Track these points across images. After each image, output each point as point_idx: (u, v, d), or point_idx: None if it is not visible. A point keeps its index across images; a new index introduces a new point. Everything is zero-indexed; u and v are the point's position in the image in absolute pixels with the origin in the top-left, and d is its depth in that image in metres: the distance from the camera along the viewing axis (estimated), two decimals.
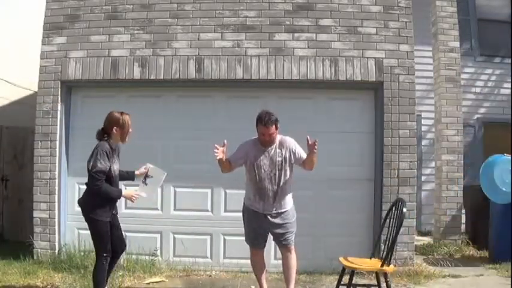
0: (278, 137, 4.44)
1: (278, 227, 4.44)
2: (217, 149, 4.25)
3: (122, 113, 4.31)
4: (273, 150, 4.40)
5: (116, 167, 4.26)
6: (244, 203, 4.60)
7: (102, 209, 4.15)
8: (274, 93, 6.16)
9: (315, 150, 4.24)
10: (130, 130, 4.31)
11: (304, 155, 4.40)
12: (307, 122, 6.00)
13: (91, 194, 4.17)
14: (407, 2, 6.13)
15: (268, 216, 4.42)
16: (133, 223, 5.80)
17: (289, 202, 4.50)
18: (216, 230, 6.07)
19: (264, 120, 4.28)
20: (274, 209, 4.41)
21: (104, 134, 4.27)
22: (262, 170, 4.37)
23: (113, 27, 6.19)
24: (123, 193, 4.27)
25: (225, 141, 4.33)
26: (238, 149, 4.51)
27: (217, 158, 4.25)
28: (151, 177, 4.46)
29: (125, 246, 4.53)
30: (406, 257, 5.89)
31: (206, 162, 5.98)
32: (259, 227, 4.48)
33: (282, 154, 4.39)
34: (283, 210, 4.44)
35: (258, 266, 4.62)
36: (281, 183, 4.39)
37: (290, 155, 4.40)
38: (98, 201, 4.14)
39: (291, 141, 4.46)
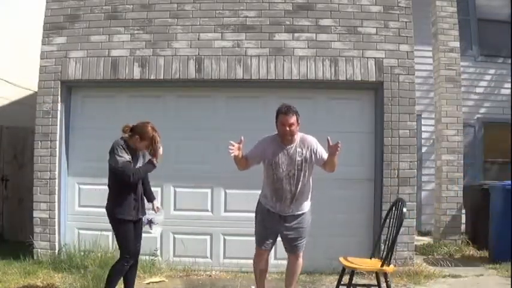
0: (299, 135, 4.24)
1: (291, 231, 4.26)
2: (233, 146, 4.01)
3: (154, 130, 4.28)
4: (292, 149, 4.18)
5: (134, 165, 4.19)
6: (259, 201, 4.41)
7: (124, 208, 4.12)
8: (274, 93, 6.16)
9: (338, 153, 4.07)
10: (159, 150, 4.28)
11: (325, 156, 4.20)
12: (307, 122, 5.92)
13: (113, 195, 4.15)
14: (407, 2, 6.14)
15: (283, 218, 4.25)
16: None
17: (307, 205, 4.33)
18: (216, 230, 6.07)
19: (284, 109, 4.12)
20: (290, 211, 4.23)
21: (129, 131, 4.24)
22: (281, 170, 4.15)
23: (113, 27, 6.19)
24: (154, 161, 4.21)
25: (242, 137, 4.09)
26: (256, 145, 4.28)
27: (232, 155, 4.04)
28: (157, 223, 4.52)
29: (137, 255, 4.38)
30: (406, 257, 5.89)
31: (206, 162, 6.01)
32: (271, 227, 4.29)
33: (302, 154, 4.17)
34: (300, 213, 4.27)
35: (261, 267, 4.44)
36: (300, 185, 4.17)
37: (311, 155, 4.19)
38: (120, 201, 4.11)
39: (312, 140, 4.26)
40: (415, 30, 6.26)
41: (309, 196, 4.36)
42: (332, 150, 4.07)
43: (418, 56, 6.68)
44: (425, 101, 8.82)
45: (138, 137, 4.19)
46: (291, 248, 4.35)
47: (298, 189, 4.19)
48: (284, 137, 4.18)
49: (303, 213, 4.29)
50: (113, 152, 4.10)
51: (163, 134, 6.06)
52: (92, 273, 5.22)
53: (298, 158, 4.17)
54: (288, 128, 4.12)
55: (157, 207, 4.57)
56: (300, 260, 4.38)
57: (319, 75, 6.03)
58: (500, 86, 9.42)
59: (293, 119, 4.12)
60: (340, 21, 6.10)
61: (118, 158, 4.04)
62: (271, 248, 4.42)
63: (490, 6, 9.55)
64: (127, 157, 4.08)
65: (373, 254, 4.58)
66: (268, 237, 4.33)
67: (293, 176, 4.17)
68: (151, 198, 4.55)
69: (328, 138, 4.08)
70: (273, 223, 4.28)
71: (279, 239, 4.44)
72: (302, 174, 4.19)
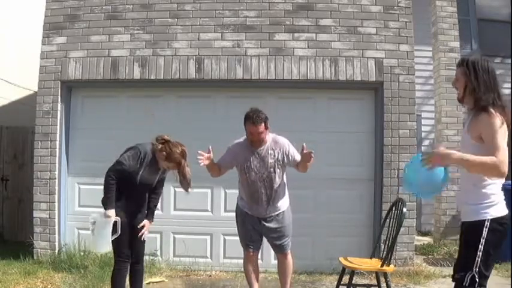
0: (270, 136, 4.24)
1: (273, 232, 4.27)
2: (202, 156, 3.99)
3: (183, 156, 4.01)
4: (264, 151, 4.17)
5: (146, 176, 3.98)
6: (237, 204, 4.42)
7: (117, 208, 3.92)
8: (274, 93, 6.17)
9: (311, 161, 4.04)
10: (186, 176, 4.04)
11: (298, 157, 4.19)
12: (307, 122, 6.01)
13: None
14: (407, 2, 6.14)
15: (263, 220, 4.24)
16: None
17: (284, 204, 4.31)
18: (216, 230, 6.07)
19: (252, 118, 4.08)
20: (267, 212, 4.23)
21: (160, 143, 4.00)
22: (253, 173, 4.15)
23: (113, 27, 6.19)
24: (108, 210, 3.86)
25: (210, 147, 4.10)
26: (227, 152, 4.30)
27: (201, 164, 4.02)
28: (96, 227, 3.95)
29: (139, 255, 4.18)
30: (406, 257, 5.88)
31: None
32: (252, 228, 4.30)
33: (274, 155, 4.16)
34: (277, 213, 4.26)
35: (251, 269, 4.39)
36: (274, 186, 4.17)
37: (283, 157, 4.18)
38: (116, 200, 3.94)
39: (284, 142, 4.24)
40: (415, 30, 6.26)
41: (286, 195, 4.34)
42: (305, 157, 4.05)
43: (418, 56, 6.68)
44: (426, 101, 8.81)
45: (164, 154, 3.97)
46: (277, 248, 4.37)
47: (273, 190, 4.19)
48: (253, 144, 4.19)
49: (281, 212, 4.28)
50: (129, 150, 3.97)
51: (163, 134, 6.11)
52: (92, 273, 5.23)
53: (271, 160, 4.17)
54: (256, 137, 4.13)
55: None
56: (289, 258, 4.37)
57: (319, 75, 6.03)
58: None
59: (261, 128, 4.10)
60: (340, 21, 6.10)
61: (122, 160, 3.90)
62: (259, 248, 4.42)
63: (490, 6, 9.54)
64: (127, 166, 3.88)
65: (373, 254, 4.58)
66: (252, 238, 4.33)
67: (267, 179, 4.17)
68: (149, 207, 4.25)
69: (304, 145, 4.05)
70: (254, 225, 4.29)
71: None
72: (276, 176, 4.18)
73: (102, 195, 3.94)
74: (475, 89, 2.76)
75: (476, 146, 2.70)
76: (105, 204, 3.91)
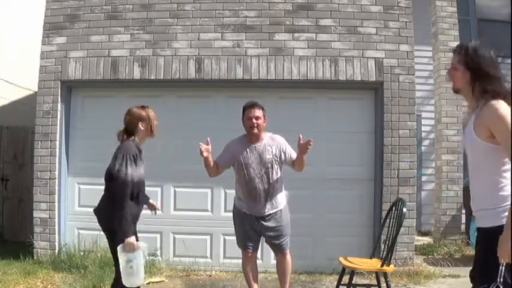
0: (268, 134, 4.30)
1: (271, 231, 4.26)
2: (202, 147, 4.01)
3: (143, 107, 3.71)
4: (261, 147, 4.21)
5: (140, 171, 3.63)
6: (234, 204, 4.43)
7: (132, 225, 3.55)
8: (274, 93, 6.16)
9: (308, 151, 4.04)
10: (156, 122, 3.72)
11: (294, 155, 4.24)
12: (307, 122, 6.00)
13: (111, 203, 3.49)
14: (407, 2, 6.14)
15: (261, 219, 4.24)
16: None
17: (281, 201, 4.31)
18: (216, 230, 6.06)
19: (249, 104, 4.24)
20: (266, 210, 4.23)
21: (127, 134, 3.70)
22: (251, 169, 4.18)
23: (113, 27, 6.19)
24: (129, 237, 3.43)
25: (208, 139, 4.10)
26: (224, 149, 4.34)
27: (204, 155, 4.00)
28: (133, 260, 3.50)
29: None
30: (406, 257, 5.88)
31: None
32: (251, 228, 4.29)
33: (271, 151, 4.21)
34: (275, 211, 4.26)
35: (250, 271, 4.37)
36: (272, 182, 4.20)
37: (280, 154, 4.23)
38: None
39: (280, 140, 4.31)
40: (415, 30, 6.26)
41: (283, 192, 4.36)
42: (302, 148, 4.07)
43: (418, 56, 6.68)
44: (426, 101, 8.81)
45: (140, 127, 3.65)
46: (276, 247, 4.37)
47: (271, 186, 4.21)
48: (251, 132, 4.20)
49: (279, 211, 4.29)
50: (123, 159, 3.50)
51: (163, 134, 6.08)
52: (92, 273, 5.23)
53: (268, 156, 4.21)
54: (254, 121, 4.15)
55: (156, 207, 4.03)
56: (288, 258, 4.37)
57: (319, 75, 6.03)
58: None
59: (259, 112, 4.19)
60: (340, 21, 6.10)
61: (129, 169, 3.47)
62: (257, 248, 4.42)
63: (490, 6, 9.55)
64: (137, 172, 3.52)
65: (373, 254, 4.58)
66: (250, 239, 4.33)
67: (264, 175, 4.20)
68: (147, 200, 4.02)
69: (300, 136, 4.09)
70: (252, 225, 4.28)
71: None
72: (274, 172, 4.22)
73: (118, 222, 3.43)
74: (476, 79, 2.58)
75: (492, 147, 2.50)
76: (126, 232, 3.44)
